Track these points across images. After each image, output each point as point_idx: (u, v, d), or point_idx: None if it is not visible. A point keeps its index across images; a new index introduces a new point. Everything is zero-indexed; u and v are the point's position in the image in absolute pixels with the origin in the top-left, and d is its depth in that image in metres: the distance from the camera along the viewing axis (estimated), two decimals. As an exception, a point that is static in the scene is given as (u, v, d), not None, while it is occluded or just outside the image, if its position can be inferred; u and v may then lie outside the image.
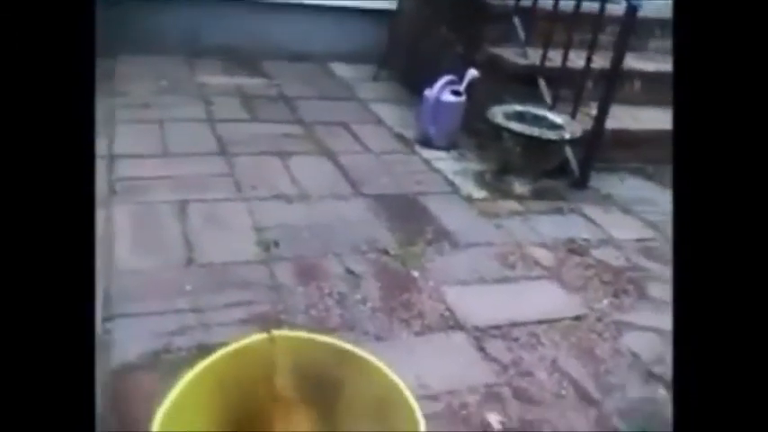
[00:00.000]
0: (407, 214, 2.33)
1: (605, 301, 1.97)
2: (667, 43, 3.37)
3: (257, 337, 1.08)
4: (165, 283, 1.78)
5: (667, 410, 1.52)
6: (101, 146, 2.52)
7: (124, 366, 1.47)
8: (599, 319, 1.89)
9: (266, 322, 1.67)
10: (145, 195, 2.22)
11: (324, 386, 1.09)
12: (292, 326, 1.67)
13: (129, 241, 1.95)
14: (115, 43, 3.58)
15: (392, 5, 3.90)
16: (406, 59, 3.79)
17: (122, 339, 1.55)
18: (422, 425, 0.94)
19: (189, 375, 0.97)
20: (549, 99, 2.84)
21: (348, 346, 1.11)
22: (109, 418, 1.32)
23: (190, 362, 1.11)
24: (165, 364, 1.48)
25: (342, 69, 3.95)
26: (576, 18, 2.76)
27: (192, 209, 2.18)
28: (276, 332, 1.10)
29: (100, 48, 3.21)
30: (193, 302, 1.72)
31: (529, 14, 3.03)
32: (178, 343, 1.55)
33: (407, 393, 1.00)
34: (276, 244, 2.04)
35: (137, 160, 2.47)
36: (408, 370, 1.55)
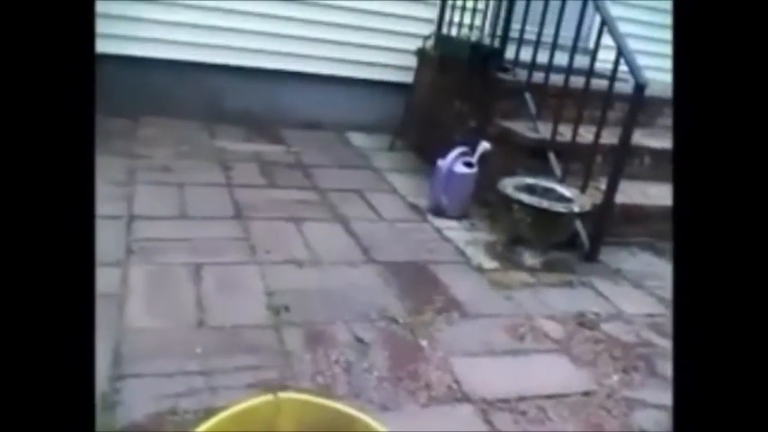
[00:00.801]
0: (418, 282, 2.35)
1: (615, 377, 1.95)
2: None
3: (262, 398, 1.09)
4: (176, 345, 1.80)
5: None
6: (120, 207, 2.59)
7: (131, 425, 1.47)
8: (608, 396, 1.86)
9: (273, 388, 1.67)
10: (161, 256, 2.26)
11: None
12: (299, 392, 1.67)
13: (143, 301, 1.98)
14: (138, 105, 3.73)
15: (408, 78, 4.04)
16: (420, 130, 3.89)
17: (130, 399, 1.56)
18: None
19: (194, 437, 0.98)
20: (558, 172, 2.90)
21: (351, 411, 1.11)
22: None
23: (195, 425, 1.13)
24: (171, 425, 1.48)
25: (358, 138, 4.06)
26: (586, 95, 2.85)
27: (207, 271, 2.22)
28: (281, 394, 1.11)
29: (123, 109, 3.34)
30: (202, 365, 1.73)
31: (540, 90, 3.12)
32: (185, 405, 1.56)
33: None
34: (287, 309, 2.06)
35: (155, 222, 2.54)
36: (414, 441, 1.55)
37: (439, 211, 2.99)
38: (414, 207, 3.08)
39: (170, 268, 2.20)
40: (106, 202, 2.64)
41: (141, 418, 1.49)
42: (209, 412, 1.49)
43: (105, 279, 2.05)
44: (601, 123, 2.76)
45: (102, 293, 1.97)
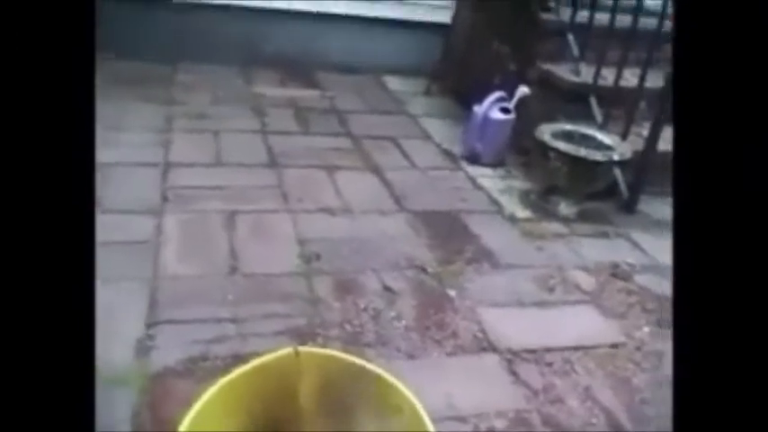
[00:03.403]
0: (449, 232, 2.34)
1: (646, 330, 1.93)
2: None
3: (283, 352, 1.11)
4: (209, 292, 1.85)
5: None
6: (157, 154, 2.64)
7: (164, 370, 1.54)
8: (638, 348, 1.85)
9: (302, 335, 1.71)
10: (195, 204, 2.31)
11: (345, 403, 1.12)
12: (327, 340, 1.71)
13: (178, 248, 2.03)
14: (176, 50, 3.73)
15: (447, 19, 3.91)
16: (457, 74, 3.79)
17: (164, 344, 1.62)
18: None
19: (215, 387, 1.01)
20: (599, 118, 2.80)
21: (371, 366, 1.13)
22: (144, 419, 1.39)
23: (225, 371, 1.17)
24: (203, 371, 1.54)
25: (394, 83, 3.99)
26: (633, 34, 2.71)
27: (240, 219, 2.25)
28: (301, 348, 1.13)
29: (162, 55, 3.35)
30: (234, 312, 1.78)
31: (584, 30, 2.99)
32: (216, 351, 1.61)
33: (426, 418, 1.01)
34: (317, 257, 2.08)
35: (190, 169, 2.57)
36: (438, 390, 1.58)
37: (473, 159, 2.94)
38: (448, 154, 3.04)
39: (204, 216, 2.24)
40: (143, 148, 2.69)
41: (174, 363, 1.56)
42: (240, 358, 1.55)
43: (141, 226, 2.11)
44: (647, 65, 2.63)
45: (137, 240, 2.04)
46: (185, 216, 2.22)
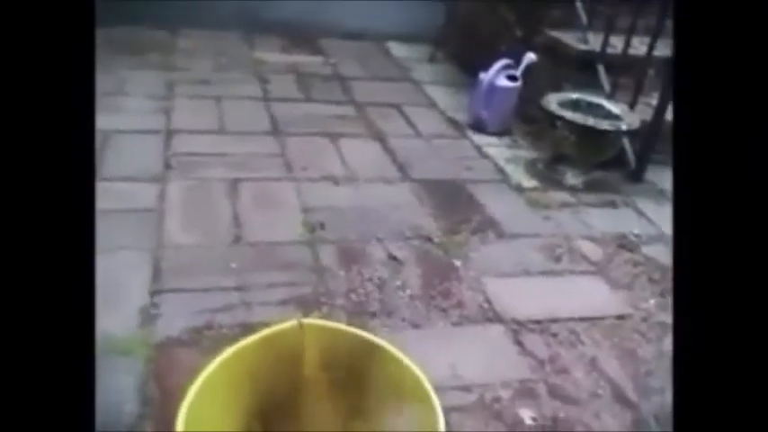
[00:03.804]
0: (454, 201, 2.32)
1: (652, 301, 1.92)
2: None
3: (287, 324, 1.10)
4: (213, 260, 1.84)
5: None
6: (159, 121, 2.60)
7: (168, 340, 1.53)
8: (644, 320, 1.84)
9: (306, 304, 1.71)
10: (198, 172, 2.28)
11: (350, 376, 1.11)
12: (332, 309, 1.70)
13: (181, 216, 2.02)
14: (177, 16, 3.66)
15: (453, -16, 3.83)
16: (462, 41, 3.73)
17: (168, 313, 1.61)
18: (441, 423, 0.95)
19: (218, 359, 1.00)
20: (607, 87, 2.76)
21: (375, 339, 1.12)
22: (149, 389, 1.38)
23: (231, 340, 1.16)
24: (207, 340, 1.53)
25: (398, 49, 3.93)
26: (642, 2, 2.65)
27: (243, 187, 2.23)
28: (305, 320, 1.12)
29: (163, 21, 3.30)
30: (238, 281, 1.77)
31: (592, -3, 2.92)
32: (221, 320, 1.60)
33: (430, 390, 1.00)
34: (322, 226, 2.07)
35: (193, 136, 2.54)
36: (443, 360, 1.58)
37: (479, 127, 2.90)
38: (453, 122, 3.00)
39: (207, 183, 2.22)
40: (145, 115, 2.66)
41: (178, 332, 1.55)
42: (244, 327, 1.55)
43: (144, 194, 2.09)
44: (656, 33, 2.57)
45: (140, 208, 2.03)
46: (188, 183, 2.20)
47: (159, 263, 1.79)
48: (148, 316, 1.59)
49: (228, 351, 1.03)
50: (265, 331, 1.08)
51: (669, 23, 2.61)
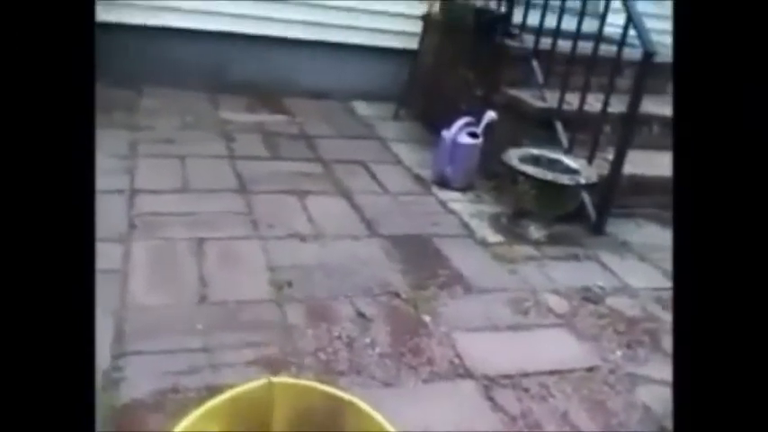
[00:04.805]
0: (421, 256, 2.34)
1: (619, 353, 1.94)
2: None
3: (256, 382, 1.08)
4: (178, 321, 1.80)
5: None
6: (122, 180, 2.58)
7: (133, 403, 1.48)
8: (612, 372, 1.86)
9: (274, 364, 1.68)
10: (163, 231, 2.25)
11: (322, 434, 1.09)
12: (300, 368, 1.68)
13: (146, 277, 1.98)
14: (141, 75, 3.68)
15: (414, 45, 3.96)
16: (425, 99, 3.83)
17: (132, 376, 1.56)
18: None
19: (186, 421, 0.98)
20: (565, 142, 2.85)
21: (346, 396, 1.11)
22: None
23: (197, 403, 1.12)
24: (173, 403, 1.48)
25: (363, 107, 4.01)
26: (595, 61, 2.78)
27: (209, 246, 2.21)
28: (275, 379, 1.10)
29: (126, 79, 3.30)
30: (204, 341, 1.73)
31: (548, 57, 3.05)
32: (186, 383, 1.56)
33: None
34: (289, 284, 2.05)
35: (157, 195, 2.52)
36: (415, 417, 1.56)
37: (443, 183, 2.96)
38: (418, 178, 3.05)
39: (172, 243, 2.19)
40: (108, 175, 2.63)
41: (143, 395, 1.50)
42: (211, 390, 1.51)
43: (108, 254, 2.05)
44: (609, 91, 2.70)
45: (104, 269, 1.97)
46: (153, 243, 2.17)
47: (123, 324, 1.74)
48: (112, 379, 1.53)
49: (197, 412, 1.00)
50: (234, 390, 1.06)
51: (620, 82, 2.75)
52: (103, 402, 1.46)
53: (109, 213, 2.31)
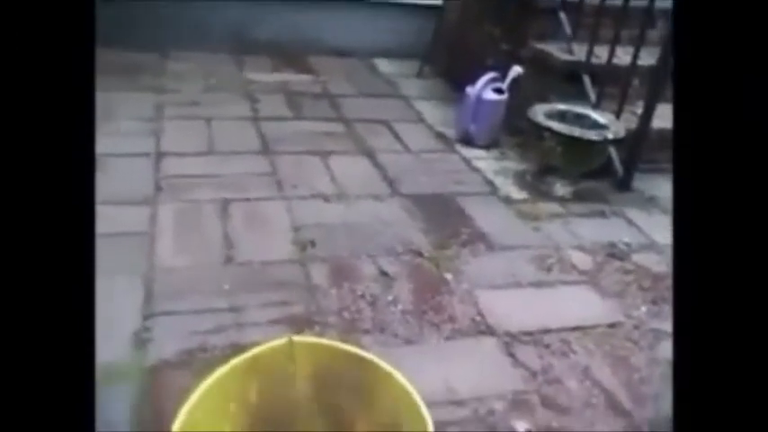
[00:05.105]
0: (444, 215, 2.34)
1: (643, 309, 1.93)
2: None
3: (278, 341, 1.11)
4: (205, 282, 1.84)
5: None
6: (149, 143, 2.61)
7: (161, 363, 1.53)
8: (635, 327, 1.85)
9: (299, 323, 1.71)
10: (189, 193, 2.29)
11: (341, 392, 1.12)
12: (324, 327, 1.71)
13: (172, 238, 2.02)
14: (167, 38, 3.69)
15: (438, 1, 3.87)
16: (449, 56, 3.76)
17: (161, 337, 1.61)
18: (433, 437, 0.95)
19: (209, 380, 1.01)
20: (593, 97, 2.78)
21: (367, 354, 1.13)
22: (142, 413, 1.38)
23: (223, 361, 1.16)
24: (200, 362, 1.53)
25: (386, 65, 3.96)
26: (625, 13, 2.69)
27: (234, 207, 2.24)
28: (296, 337, 1.13)
29: (152, 43, 3.31)
30: (230, 301, 1.77)
31: (576, 9, 2.96)
32: (213, 342, 1.61)
33: (422, 405, 1.01)
34: (313, 244, 2.07)
35: (183, 158, 2.55)
36: (436, 374, 1.58)
37: (467, 141, 2.93)
38: (441, 136, 3.02)
39: (198, 205, 2.23)
40: (135, 138, 2.67)
41: (171, 355, 1.55)
42: (236, 349, 1.55)
43: (135, 217, 2.10)
44: (639, 43, 2.61)
45: (131, 232, 2.03)
46: (179, 206, 2.21)
47: (151, 285, 1.79)
48: (141, 339, 1.59)
49: (219, 371, 1.04)
50: (256, 349, 1.09)
51: (651, 33, 2.66)
52: (134, 362, 1.52)
53: (135, 176, 2.35)
